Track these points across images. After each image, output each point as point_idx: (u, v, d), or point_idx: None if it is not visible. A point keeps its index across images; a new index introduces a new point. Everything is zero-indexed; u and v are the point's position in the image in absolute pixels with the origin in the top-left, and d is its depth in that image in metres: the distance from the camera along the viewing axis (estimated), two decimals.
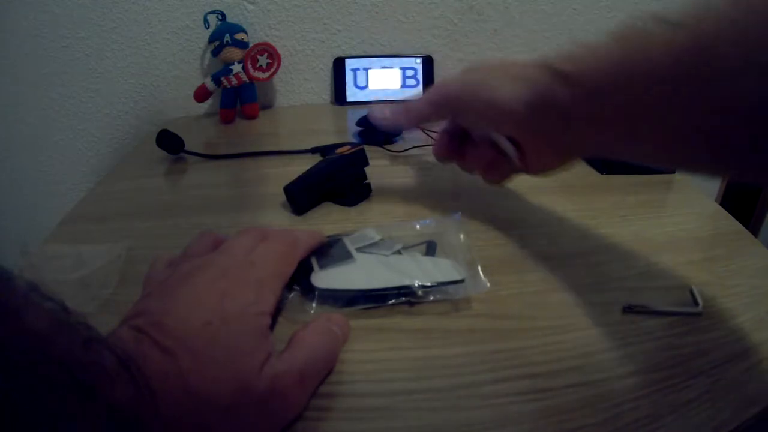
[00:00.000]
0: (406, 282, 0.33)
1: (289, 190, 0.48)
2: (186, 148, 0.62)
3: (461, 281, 0.34)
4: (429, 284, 0.33)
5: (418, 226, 0.40)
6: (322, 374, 0.27)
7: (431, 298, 0.34)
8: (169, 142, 0.62)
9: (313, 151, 0.61)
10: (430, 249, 0.38)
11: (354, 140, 0.67)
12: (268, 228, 0.33)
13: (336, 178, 0.49)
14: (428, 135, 0.64)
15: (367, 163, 0.50)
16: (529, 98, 0.33)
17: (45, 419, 0.15)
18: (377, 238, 0.39)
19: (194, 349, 0.22)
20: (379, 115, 0.45)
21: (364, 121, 0.67)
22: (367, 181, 0.51)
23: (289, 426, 0.25)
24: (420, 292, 0.33)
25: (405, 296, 0.33)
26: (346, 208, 0.48)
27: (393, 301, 0.33)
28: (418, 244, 0.39)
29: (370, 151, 0.51)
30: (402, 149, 0.62)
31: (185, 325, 0.23)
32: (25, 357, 0.15)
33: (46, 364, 0.16)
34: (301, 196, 0.47)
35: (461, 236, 0.39)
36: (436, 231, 0.40)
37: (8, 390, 0.14)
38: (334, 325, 0.29)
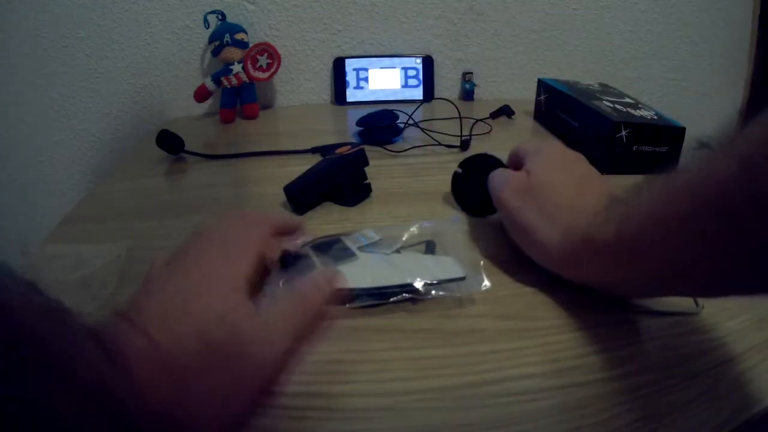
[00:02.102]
0: (409, 279, 0.33)
1: (289, 190, 0.48)
2: (186, 148, 0.62)
3: (463, 278, 0.34)
4: (432, 281, 0.33)
5: (416, 227, 0.40)
6: (302, 331, 0.26)
7: (433, 293, 0.34)
8: (169, 142, 0.62)
9: (313, 151, 0.61)
10: (429, 248, 0.39)
11: (354, 140, 0.67)
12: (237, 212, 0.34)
13: (336, 178, 0.49)
14: (429, 135, 0.64)
15: (367, 163, 0.50)
16: (563, 247, 0.33)
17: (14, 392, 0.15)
18: (377, 238, 0.39)
19: (168, 324, 0.23)
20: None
21: (364, 121, 0.67)
22: (366, 181, 0.51)
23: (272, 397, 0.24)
24: (423, 290, 0.33)
25: (408, 293, 0.33)
26: (346, 207, 0.48)
27: (396, 298, 0.33)
28: (417, 244, 0.39)
29: (371, 151, 0.52)
30: (402, 149, 0.62)
31: (162, 307, 0.24)
32: None
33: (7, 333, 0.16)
34: (302, 196, 0.48)
35: (459, 236, 0.39)
36: (434, 231, 0.40)
37: None
38: (323, 280, 0.28)
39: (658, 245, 0.27)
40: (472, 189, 0.45)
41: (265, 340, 0.24)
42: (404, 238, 0.39)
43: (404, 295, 0.33)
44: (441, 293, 0.34)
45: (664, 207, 0.26)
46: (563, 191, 0.37)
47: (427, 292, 0.33)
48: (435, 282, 0.34)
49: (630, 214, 0.29)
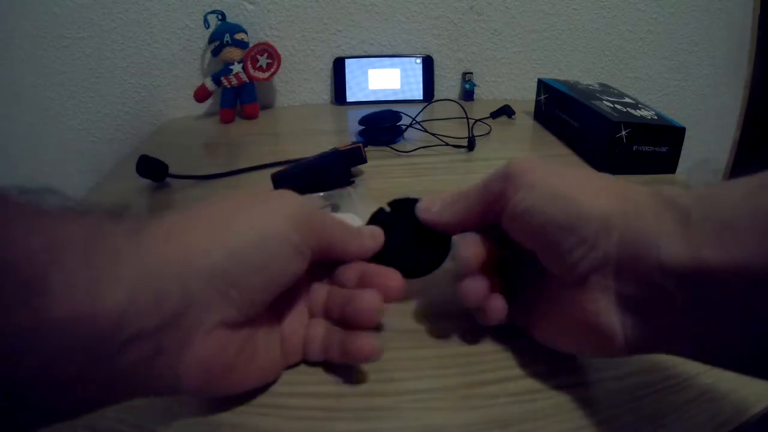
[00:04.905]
0: None
1: (273, 177, 0.50)
2: (171, 172, 0.55)
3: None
4: None
5: (323, 194, 0.48)
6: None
7: None
8: (152, 169, 0.54)
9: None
10: (334, 209, 0.45)
11: (356, 140, 0.67)
12: None
13: (322, 172, 0.50)
14: (437, 137, 0.64)
15: (363, 161, 0.51)
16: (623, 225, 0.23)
17: None
18: None
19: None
20: (423, 211, 0.32)
21: (366, 121, 0.67)
22: (352, 179, 0.52)
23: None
24: None
25: None
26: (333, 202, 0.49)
27: None
28: (324, 207, 0.45)
29: (375, 150, 0.51)
30: (408, 150, 0.62)
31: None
32: None
33: None
34: (281, 184, 0.49)
35: (355, 197, 0.47)
36: (339, 195, 0.48)
37: None
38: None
39: None
40: (400, 238, 0.32)
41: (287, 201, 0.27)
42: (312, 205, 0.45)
43: None
44: None
45: None
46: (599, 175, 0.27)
47: None
48: None
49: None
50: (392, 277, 0.29)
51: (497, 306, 0.28)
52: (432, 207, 0.31)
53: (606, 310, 0.23)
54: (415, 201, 0.32)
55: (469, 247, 0.29)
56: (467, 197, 0.29)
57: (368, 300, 0.27)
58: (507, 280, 0.30)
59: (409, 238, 0.31)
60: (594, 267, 0.23)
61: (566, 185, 0.25)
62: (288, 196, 0.28)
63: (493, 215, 0.28)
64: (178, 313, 0.21)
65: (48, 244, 0.19)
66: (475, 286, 0.28)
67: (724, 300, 0.20)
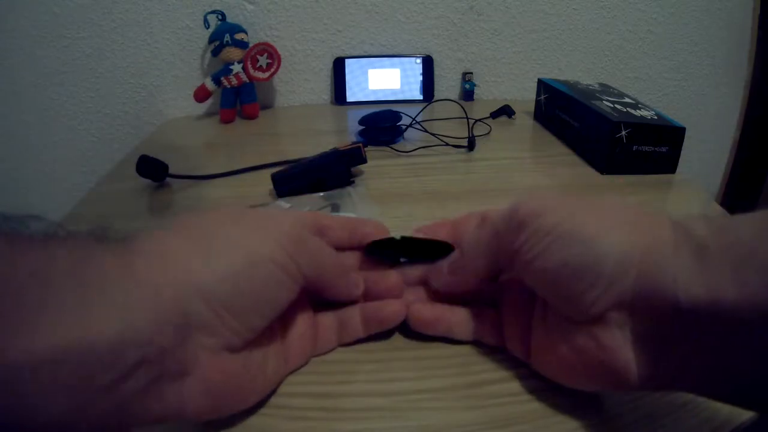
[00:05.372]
0: None
1: (273, 176, 0.50)
2: (171, 172, 0.55)
3: None
4: None
5: (322, 194, 0.49)
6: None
7: None
8: (151, 169, 0.54)
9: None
10: (334, 209, 0.46)
11: (356, 140, 0.67)
12: None
13: (322, 171, 0.50)
14: (437, 137, 0.64)
15: (363, 161, 0.51)
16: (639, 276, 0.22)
17: None
18: (287, 206, 0.46)
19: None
20: (434, 279, 0.31)
21: (366, 120, 0.67)
22: (352, 179, 0.52)
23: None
24: None
25: None
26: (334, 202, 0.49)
27: None
28: (324, 207, 0.46)
29: (375, 150, 0.51)
30: (408, 150, 0.62)
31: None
32: None
33: None
34: (282, 184, 0.50)
35: (355, 196, 0.48)
36: (339, 195, 0.49)
37: None
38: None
39: None
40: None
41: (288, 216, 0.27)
42: (312, 204, 0.46)
43: None
44: None
45: None
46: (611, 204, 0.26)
47: None
48: None
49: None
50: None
51: (420, 314, 0.31)
52: (441, 271, 0.30)
53: (621, 347, 0.22)
54: (392, 240, 0.31)
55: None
56: (476, 251, 0.28)
57: (394, 277, 0.31)
58: (501, 305, 0.30)
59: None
60: (610, 305, 0.22)
61: (580, 224, 0.24)
62: (282, 219, 0.27)
63: (505, 263, 0.27)
64: (180, 338, 0.21)
65: (34, 273, 0.18)
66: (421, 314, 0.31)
67: (740, 337, 0.19)
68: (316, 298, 0.30)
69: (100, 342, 0.18)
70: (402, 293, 0.31)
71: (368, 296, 0.31)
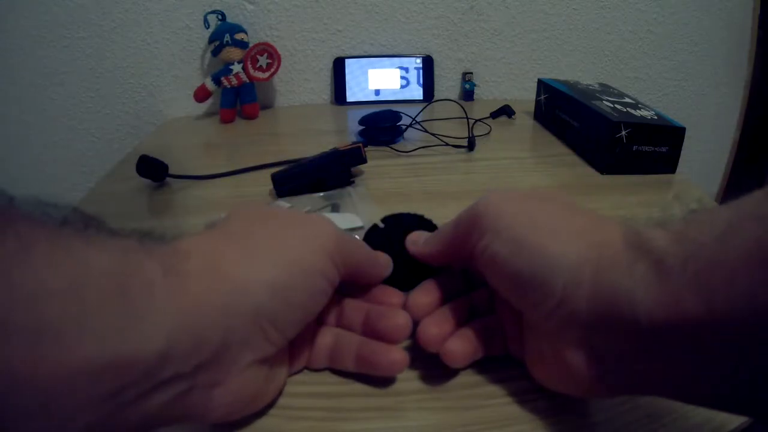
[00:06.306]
0: None
1: (273, 176, 0.50)
2: (171, 172, 0.55)
3: (361, 227, 0.41)
4: None
5: (323, 194, 0.49)
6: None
7: None
8: (150, 168, 0.54)
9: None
10: (335, 209, 0.46)
11: (356, 140, 0.67)
12: None
13: (322, 171, 0.50)
14: (437, 137, 0.64)
15: (363, 161, 0.51)
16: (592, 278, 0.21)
17: None
18: (287, 206, 0.46)
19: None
20: (410, 243, 0.32)
21: (366, 120, 0.67)
22: (352, 179, 0.52)
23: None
24: None
25: None
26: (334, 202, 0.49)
27: None
28: (324, 207, 0.46)
29: (375, 150, 0.51)
30: (408, 150, 0.62)
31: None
32: None
33: None
34: (282, 184, 0.50)
35: (355, 196, 0.48)
36: (339, 196, 0.49)
37: None
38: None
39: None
40: (392, 251, 0.33)
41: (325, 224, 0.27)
42: (312, 204, 0.47)
43: None
44: None
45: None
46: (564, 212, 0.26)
47: None
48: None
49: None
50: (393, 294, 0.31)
51: (453, 349, 0.27)
52: (418, 240, 0.32)
53: (582, 362, 0.22)
54: (408, 216, 0.34)
55: (420, 296, 0.29)
56: (443, 235, 0.30)
57: (402, 317, 0.28)
58: (497, 311, 0.30)
59: (404, 251, 0.32)
60: (564, 321, 0.22)
61: (533, 231, 0.23)
62: (322, 224, 0.27)
63: (465, 253, 0.27)
64: (216, 354, 0.21)
65: (74, 281, 0.16)
66: (430, 333, 0.27)
67: (714, 347, 0.18)
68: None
69: (139, 358, 0.18)
70: (406, 336, 0.28)
71: (371, 331, 0.29)
